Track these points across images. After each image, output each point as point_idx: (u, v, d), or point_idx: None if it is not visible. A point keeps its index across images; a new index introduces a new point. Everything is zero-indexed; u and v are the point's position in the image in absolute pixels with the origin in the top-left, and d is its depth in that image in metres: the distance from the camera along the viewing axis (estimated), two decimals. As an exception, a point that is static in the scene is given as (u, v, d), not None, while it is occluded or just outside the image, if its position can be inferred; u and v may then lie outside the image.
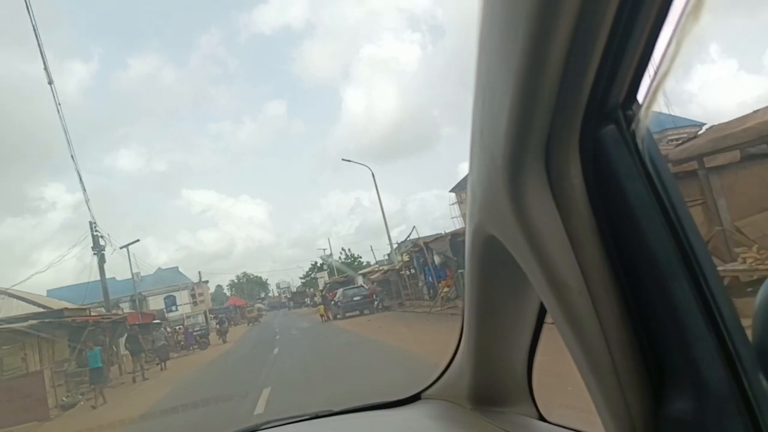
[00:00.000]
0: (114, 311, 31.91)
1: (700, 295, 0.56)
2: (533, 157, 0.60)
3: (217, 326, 34.61)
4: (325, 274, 61.59)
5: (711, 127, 9.74)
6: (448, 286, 20.89)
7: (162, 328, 28.38)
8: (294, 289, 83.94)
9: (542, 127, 0.58)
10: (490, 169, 0.69)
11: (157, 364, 25.25)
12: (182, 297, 63.53)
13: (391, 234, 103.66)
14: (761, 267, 7.12)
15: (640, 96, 0.59)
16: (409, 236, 27.43)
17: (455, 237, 20.33)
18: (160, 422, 9.67)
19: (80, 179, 25.31)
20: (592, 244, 0.60)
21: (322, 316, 32.94)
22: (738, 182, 8.97)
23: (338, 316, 30.35)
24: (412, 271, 28.58)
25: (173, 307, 61.94)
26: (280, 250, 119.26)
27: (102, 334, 22.56)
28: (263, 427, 1.65)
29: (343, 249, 70.08)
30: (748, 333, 0.57)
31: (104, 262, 26.03)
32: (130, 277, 60.27)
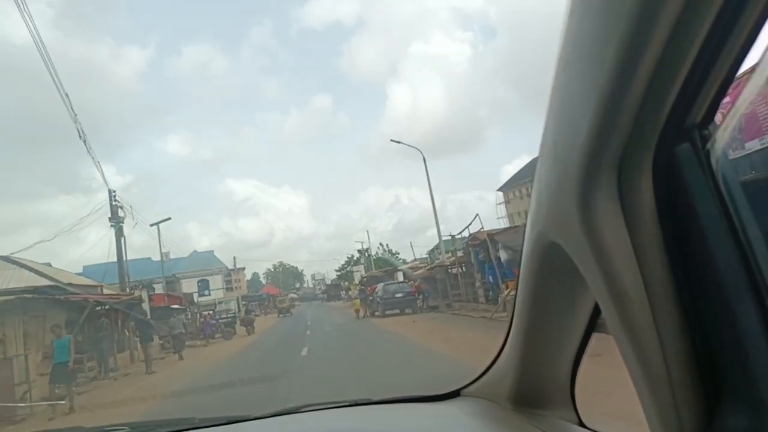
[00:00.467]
0: (137, 292, 29.13)
1: (763, 315, 0.55)
2: (606, 169, 0.60)
3: (244, 315, 31.24)
4: (361, 267, 58.14)
5: None
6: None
7: (182, 314, 25.06)
8: (329, 282, 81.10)
9: (619, 141, 0.58)
10: (561, 179, 0.69)
11: (175, 353, 22.17)
12: (216, 282, 60.86)
13: (429, 234, 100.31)
14: None
15: (719, 117, 0.59)
16: (469, 225, 23.38)
17: (529, 229, 16.31)
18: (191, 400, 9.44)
19: (98, 165, 21.90)
20: (657, 258, 0.60)
21: (357, 311, 29.33)
22: None
23: (376, 313, 26.68)
24: (465, 268, 24.59)
25: (206, 292, 59.33)
26: (318, 242, 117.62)
27: (108, 316, 19.44)
28: (303, 410, 1.64)
29: (381, 244, 66.70)
30: None
31: (122, 236, 22.90)
32: (175, 256, 59.16)
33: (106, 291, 22.45)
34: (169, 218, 36.89)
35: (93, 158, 20.53)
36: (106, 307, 19.41)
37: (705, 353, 0.61)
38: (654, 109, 0.55)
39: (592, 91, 0.57)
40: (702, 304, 0.59)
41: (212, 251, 67.13)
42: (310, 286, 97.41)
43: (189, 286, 58.17)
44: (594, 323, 0.96)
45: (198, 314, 37.22)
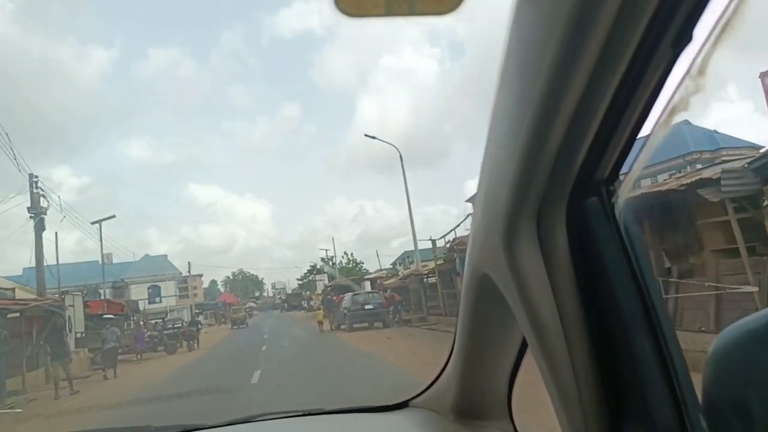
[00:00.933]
0: (68, 298, 25.03)
1: (657, 346, 0.65)
2: (527, 218, 0.68)
3: (187, 326, 26.68)
4: (324, 276, 54.45)
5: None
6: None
7: (117, 324, 21.13)
8: (289, 291, 77.06)
9: (536, 195, 0.66)
10: (490, 224, 0.77)
11: (103, 370, 18.40)
12: (168, 288, 56.16)
13: (393, 245, 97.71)
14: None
15: (623, 174, 0.68)
16: (456, 228, 20.40)
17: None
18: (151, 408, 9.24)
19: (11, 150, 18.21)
20: (570, 294, 0.68)
21: (320, 323, 25.93)
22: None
23: (342, 327, 23.42)
24: (444, 278, 21.64)
25: (157, 299, 54.61)
26: (280, 250, 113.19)
27: (11, 326, 15.60)
28: (258, 419, 1.66)
29: (345, 253, 62.99)
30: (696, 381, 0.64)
31: (43, 229, 18.99)
32: (123, 260, 54.11)
33: (23, 295, 18.50)
34: (113, 216, 32.87)
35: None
36: (7, 315, 15.55)
37: (610, 377, 0.69)
38: (565, 169, 0.64)
39: (513, 153, 0.66)
40: (608, 335, 0.68)
41: (165, 255, 62.16)
42: (270, 295, 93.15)
43: (139, 292, 53.39)
44: (526, 346, 0.99)
45: (143, 324, 33.03)
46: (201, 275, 73.78)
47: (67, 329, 25.15)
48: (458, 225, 20.67)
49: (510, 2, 0.60)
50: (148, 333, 25.77)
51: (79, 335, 24.27)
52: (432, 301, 22.90)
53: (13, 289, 18.75)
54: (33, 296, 19.48)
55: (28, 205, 18.66)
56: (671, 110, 0.59)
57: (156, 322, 37.30)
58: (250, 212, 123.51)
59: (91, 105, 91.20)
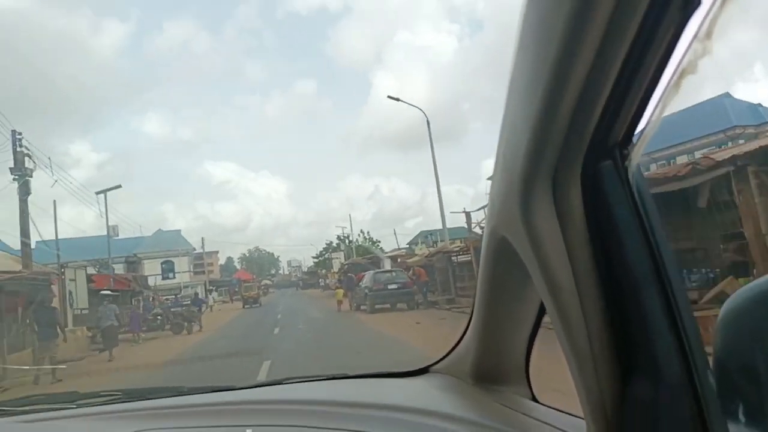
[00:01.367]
0: (67, 271, 23.04)
1: (666, 302, 0.67)
2: (542, 180, 0.70)
3: (188, 306, 23.44)
4: (341, 254, 52.39)
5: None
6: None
7: (117, 301, 18.95)
8: (305, 269, 75.27)
9: (551, 158, 0.68)
10: (507, 186, 0.80)
11: (100, 352, 16.39)
12: (182, 264, 54.39)
13: (407, 225, 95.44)
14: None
15: (636, 137, 0.69)
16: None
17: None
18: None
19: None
20: (584, 254, 0.70)
21: (339, 303, 23.65)
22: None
23: (362, 307, 21.17)
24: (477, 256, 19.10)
25: (170, 274, 52.93)
26: (296, 228, 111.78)
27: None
28: (285, 381, 1.71)
29: (361, 231, 60.57)
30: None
31: (29, 193, 16.78)
32: (132, 235, 52.28)
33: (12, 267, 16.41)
34: (119, 186, 30.63)
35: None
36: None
37: (622, 332, 0.71)
38: (579, 133, 0.65)
39: (528, 118, 0.67)
40: (620, 292, 0.70)
41: (179, 230, 60.46)
42: (286, 272, 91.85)
43: (152, 267, 51.73)
44: (544, 310, 1.02)
45: (153, 300, 31.09)
46: (217, 252, 72.26)
47: (68, 305, 23.34)
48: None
49: None
50: (153, 311, 23.72)
51: (78, 312, 22.36)
52: (461, 282, 20.45)
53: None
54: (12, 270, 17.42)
55: (11, 165, 16.43)
56: (681, 73, 0.60)
57: (167, 299, 35.44)
58: (266, 189, 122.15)
59: (107, 79, 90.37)
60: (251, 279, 59.17)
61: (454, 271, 21.10)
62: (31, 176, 16.76)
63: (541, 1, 0.62)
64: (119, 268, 47.92)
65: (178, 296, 40.49)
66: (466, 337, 1.37)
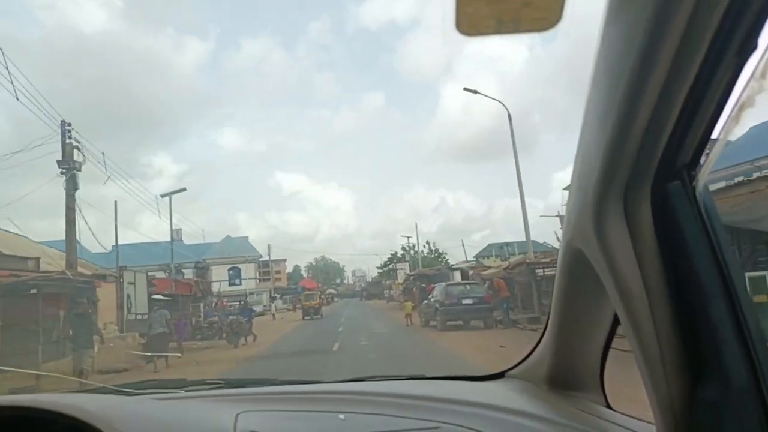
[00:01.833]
0: (127, 273, 22.00)
1: (733, 311, 0.70)
2: (614, 199, 0.75)
3: (238, 316, 20.85)
4: (406, 265, 49.86)
5: None
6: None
7: (172, 306, 17.40)
8: (369, 279, 73.40)
9: (623, 178, 0.73)
10: (582, 203, 0.84)
11: (148, 362, 14.70)
12: (249, 270, 53.67)
13: (474, 238, 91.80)
14: None
15: (704, 159, 0.74)
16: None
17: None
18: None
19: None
20: (654, 266, 0.74)
21: (408, 316, 21.16)
22: None
23: (431, 323, 18.63)
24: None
25: (237, 281, 52.29)
26: (361, 240, 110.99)
27: (35, 305, 12.05)
28: (368, 379, 1.75)
29: (427, 242, 57.93)
30: None
31: (76, 188, 15.47)
32: (198, 241, 52.27)
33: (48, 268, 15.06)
34: (184, 189, 29.85)
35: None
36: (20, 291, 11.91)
37: (690, 340, 0.74)
38: (648, 155, 0.70)
39: (601, 140, 0.73)
40: (688, 301, 0.73)
41: (246, 237, 60.00)
42: (351, 282, 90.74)
43: (220, 273, 51.37)
44: (618, 319, 1.02)
45: (217, 306, 29.83)
46: (284, 260, 71.83)
47: (126, 309, 22.25)
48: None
49: (602, 13, 0.68)
50: (209, 318, 22.16)
51: (133, 317, 21.14)
52: (545, 298, 17.42)
53: (38, 259, 15.47)
54: (53, 270, 16.21)
55: (59, 158, 15.16)
56: (740, 106, 0.65)
57: (231, 305, 34.29)
58: (334, 201, 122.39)
59: (187, 95, 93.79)
60: (316, 287, 57.89)
61: (539, 285, 18.09)
62: (80, 170, 15.50)
63: (612, 41, 0.68)
64: (189, 274, 48.06)
65: (242, 303, 39.61)
66: (541, 343, 1.38)
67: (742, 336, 0.70)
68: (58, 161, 15.10)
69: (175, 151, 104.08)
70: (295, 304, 48.36)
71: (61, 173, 15.30)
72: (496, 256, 32.94)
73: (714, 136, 0.70)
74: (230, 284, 50.95)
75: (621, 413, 1.16)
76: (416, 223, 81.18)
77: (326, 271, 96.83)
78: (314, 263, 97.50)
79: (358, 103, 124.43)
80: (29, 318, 11.99)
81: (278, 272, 68.41)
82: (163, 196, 27.72)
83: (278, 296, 52.26)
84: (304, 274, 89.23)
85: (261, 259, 56.22)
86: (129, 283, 22.40)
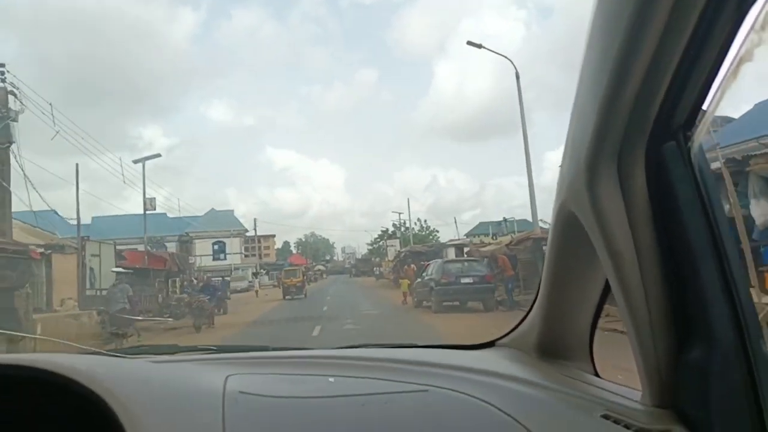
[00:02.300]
0: (89, 244, 19.67)
1: (723, 275, 0.70)
2: (608, 160, 0.74)
3: (201, 297, 17.27)
4: (396, 242, 47.85)
5: None
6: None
7: (122, 283, 15.02)
8: (359, 256, 71.43)
9: (616, 139, 0.72)
10: (576, 166, 0.82)
11: (106, 344, 12.53)
12: (233, 245, 51.34)
13: (464, 217, 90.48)
14: None
15: (699, 119, 0.73)
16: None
17: None
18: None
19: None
20: (646, 227, 0.74)
21: (405, 295, 19.09)
22: None
23: (425, 303, 16.61)
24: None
25: (221, 255, 50.07)
26: (351, 217, 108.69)
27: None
28: (360, 346, 1.70)
29: (418, 219, 55.79)
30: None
31: (10, 140, 12.97)
32: (183, 214, 49.70)
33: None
34: (159, 155, 27.32)
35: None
36: None
37: (678, 301, 0.74)
38: (642, 116, 0.69)
39: (595, 101, 0.72)
40: (678, 263, 0.73)
41: (232, 210, 57.76)
42: (340, 259, 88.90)
43: (204, 248, 49.02)
44: (609, 288, 1.01)
45: (197, 282, 27.40)
46: (273, 236, 69.32)
47: (88, 284, 19.98)
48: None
49: None
50: (177, 296, 19.96)
51: (96, 293, 18.88)
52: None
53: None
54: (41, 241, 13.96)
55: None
56: (739, 61, 0.63)
57: (212, 281, 32.03)
58: (325, 177, 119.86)
59: (178, 67, 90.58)
60: (304, 263, 55.70)
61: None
62: (16, 119, 13.01)
63: (606, 1, 0.67)
64: (173, 248, 45.63)
65: (225, 279, 37.30)
66: (532, 311, 1.38)
67: (731, 300, 0.70)
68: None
69: (164, 123, 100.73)
70: (280, 281, 46.23)
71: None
72: (493, 235, 30.78)
73: (711, 93, 0.68)
74: (214, 259, 48.72)
75: (610, 381, 1.14)
76: (408, 199, 78.96)
77: (316, 247, 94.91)
78: (304, 239, 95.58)
79: (350, 78, 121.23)
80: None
81: (267, 248, 66.11)
82: (135, 162, 25.38)
83: (264, 272, 50.02)
84: (294, 250, 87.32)
85: (247, 234, 53.90)
86: (93, 255, 20.07)
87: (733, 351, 0.69)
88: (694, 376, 0.73)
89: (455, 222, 63.69)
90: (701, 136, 0.73)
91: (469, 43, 17.49)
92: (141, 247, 30.95)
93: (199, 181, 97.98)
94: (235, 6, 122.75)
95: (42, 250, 14.17)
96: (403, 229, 51.26)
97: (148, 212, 32.72)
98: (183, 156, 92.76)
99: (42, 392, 0.91)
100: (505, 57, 18.11)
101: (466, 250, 24.07)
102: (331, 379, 1.17)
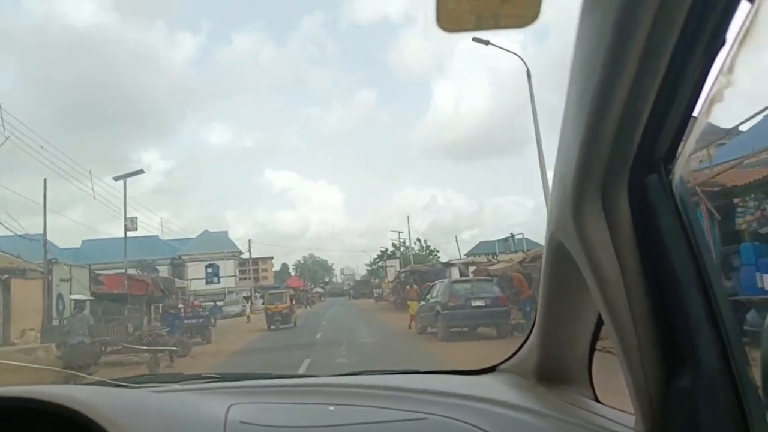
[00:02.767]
0: (56, 268, 17.62)
1: (707, 302, 0.72)
2: (592, 191, 0.76)
3: (158, 329, 15.14)
4: (396, 262, 45.76)
5: None
6: None
7: (82, 311, 12.90)
8: (358, 278, 69.20)
9: (600, 171, 0.73)
10: (563, 196, 0.83)
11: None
12: (227, 268, 49.14)
13: (463, 236, 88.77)
14: None
15: (678, 153, 0.75)
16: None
17: None
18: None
19: None
20: (631, 255, 0.75)
21: (412, 318, 16.91)
22: None
23: (429, 329, 14.57)
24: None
25: (215, 278, 47.83)
26: (350, 237, 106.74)
27: None
28: (361, 373, 1.73)
29: (418, 239, 53.80)
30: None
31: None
32: (176, 237, 47.69)
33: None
34: (142, 171, 25.48)
35: None
36: None
37: (666, 329, 0.75)
38: (624, 150, 0.71)
39: (578, 134, 0.73)
40: (664, 291, 0.75)
41: (226, 232, 55.47)
42: (339, 281, 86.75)
43: (196, 271, 46.92)
44: None
45: (184, 309, 25.08)
46: (271, 258, 67.19)
47: (55, 312, 17.91)
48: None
49: (579, 9, 0.68)
50: (151, 325, 17.83)
51: (63, 323, 16.81)
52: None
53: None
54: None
55: None
56: (711, 101, 0.67)
57: (201, 307, 29.77)
58: (323, 198, 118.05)
59: (178, 90, 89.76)
60: (303, 285, 53.37)
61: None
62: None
63: (586, 37, 0.68)
64: (165, 271, 43.53)
65: (217, 304, 35.12)
66: (530, 337, 1.37)
67: (715, 326, 0.72)
68: None
69: (164, 146, 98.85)
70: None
71: None
72: (493, 254, 28.66)
73: (688, 130, 0.71)
74: (207, 282, 46.57)
75: (609, 406, 1.15)
76: (408, 216, 77.04)
77: (314, 269, 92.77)
78: (302, 261, 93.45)
79: (349, 99, 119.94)
80: None
81: (265, 270, 63.92)
82: (116, 179, 23.46)
83: (259, 295, 47.77)
84: (292, 273, 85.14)
85: (243, 256, 51.74)
86: (62, 280, 18.05)
87: (719, 376, 0.71)
88: (684, 401, 0.74)
89: (456, 240, 61.87)
90: (681, 168, 0.75)
91: (475, 39, 15.78)
92: (132, 271, 29.01)
93: (197, 203, 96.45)
94: (236, 30, 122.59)
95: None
96: (402, 248, 49.28)
97: (140, 235, 30.96)
98: (182, 178, 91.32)
99: (44, 424, 0.91)
100: (515, 54, 16.58)
101: (472, 269, 22.06)
102: (332, 408, 1.18)
